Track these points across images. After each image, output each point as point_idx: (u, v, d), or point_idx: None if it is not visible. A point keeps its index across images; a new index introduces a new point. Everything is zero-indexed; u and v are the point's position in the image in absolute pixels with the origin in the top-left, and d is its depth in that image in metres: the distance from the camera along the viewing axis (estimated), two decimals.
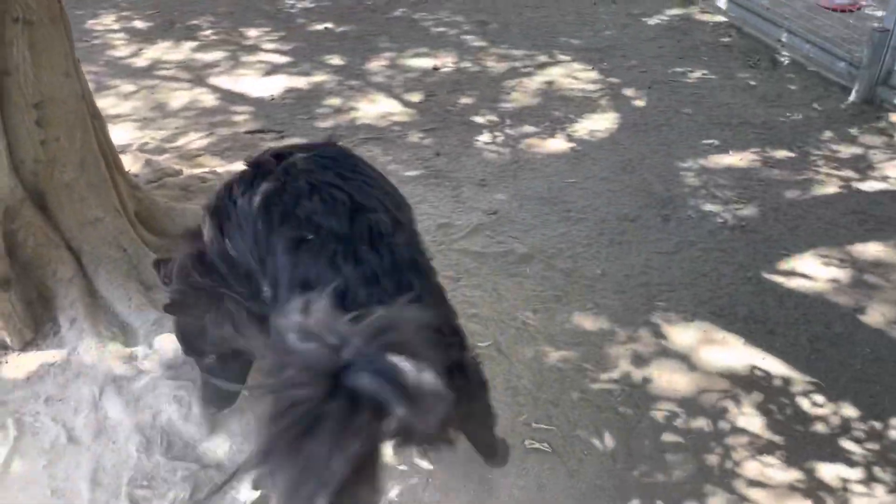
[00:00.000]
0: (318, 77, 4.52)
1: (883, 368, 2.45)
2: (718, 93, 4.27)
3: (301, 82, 4.45)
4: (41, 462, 1.98)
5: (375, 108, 4.10)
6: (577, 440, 2.17)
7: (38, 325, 2.29)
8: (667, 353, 2.50)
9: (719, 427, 2.23)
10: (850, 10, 5.22)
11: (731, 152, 3.69)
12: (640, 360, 2.46)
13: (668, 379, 2.39)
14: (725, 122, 3.97)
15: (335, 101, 4.19)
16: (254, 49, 4.93)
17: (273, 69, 4.64)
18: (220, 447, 2.04)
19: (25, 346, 2.25)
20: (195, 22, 5.40)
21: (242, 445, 2.05)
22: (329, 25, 5.31)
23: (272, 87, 4.38)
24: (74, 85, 2.34)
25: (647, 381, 2.38)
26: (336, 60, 4.74)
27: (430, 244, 2.86)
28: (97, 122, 2.53)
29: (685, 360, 2.47)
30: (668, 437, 2.19)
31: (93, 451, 2.01)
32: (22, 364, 2.22)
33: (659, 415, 2.26)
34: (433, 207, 3.21)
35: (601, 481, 2.05)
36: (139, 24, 5.37)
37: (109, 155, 2.57)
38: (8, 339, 2.23)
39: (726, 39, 5.03)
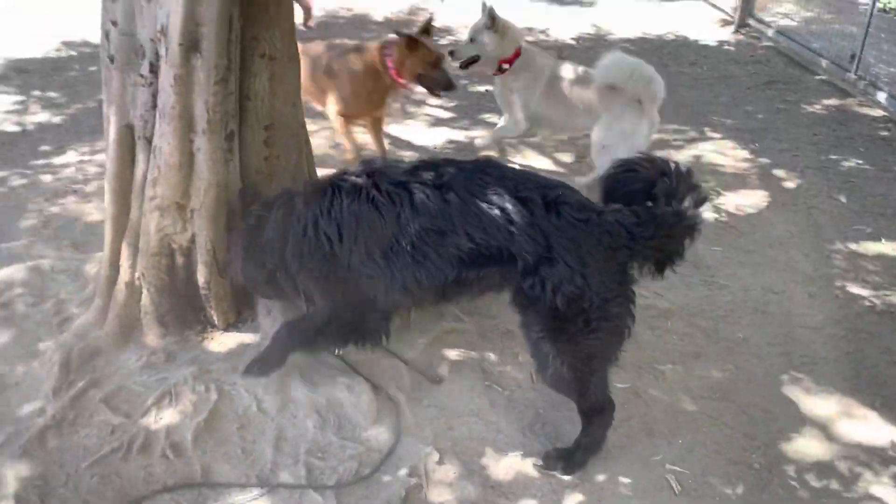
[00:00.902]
0: (476, 132, 4.88)
1: None
2: (874, 183, 4.27)
3: (460, 135, 4.83)
4: (235, 425, 2.31)
5: (528, 162, 4.40)
6: (709, 486, 2.27)
7: (240, 311, 2.67)
8: (804, 420, 2.55)
9: (853, 490, 2.27)
10: None
11: (883, 240, 3.69)
12: (776, 423, 2.53)
13: (805, 443, 2.45)
14: (879, 211, 3.97)
15: (489, 154, 4.52)
16: (420, 103, 5.39)
17: (437, 122, 5.06)
18: (381, 434, 2.31)
19: (228, 327, 2.63)
20: None
21: (400, 437, 2.31)
22: (489, 88, 5.71)
23: (436, 137, 4.79)
24: (298, 113, 2.77)
25: (783, 440, 2.45)
26: (493, 119, 5.10)
27: None
28: (307, 146, 2.95)
29: (823, 428, 2.52)
30: (800, 494, 2.25)
31: (277, 422, 2.32)
32: (224, 341, 2.60)
33: (793, 474, 2.33)
34: None
35: None
36: None
37: (313, 173, 2.99)
38: (215, 318, 2.62)
39: (885, 133, 5.01)
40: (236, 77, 2.47)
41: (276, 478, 2.15)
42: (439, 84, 3.73)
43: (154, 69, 2.41)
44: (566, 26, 7.37)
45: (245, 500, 2.08)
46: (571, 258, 2.02)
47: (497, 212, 2.05)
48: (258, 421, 2.33)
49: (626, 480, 2.27)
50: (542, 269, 2.05)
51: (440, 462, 2.26)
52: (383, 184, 2.17)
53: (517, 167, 2.27)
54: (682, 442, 2.43)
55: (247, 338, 2.62)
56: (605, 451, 2.33)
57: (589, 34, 7.24)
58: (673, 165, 2.15)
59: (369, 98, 3.92)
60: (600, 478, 2.27)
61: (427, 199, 2.10)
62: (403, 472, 2.20)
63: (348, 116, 4.01)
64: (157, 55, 2.38)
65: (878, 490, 2.29)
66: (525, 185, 2.10)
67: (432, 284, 2.18)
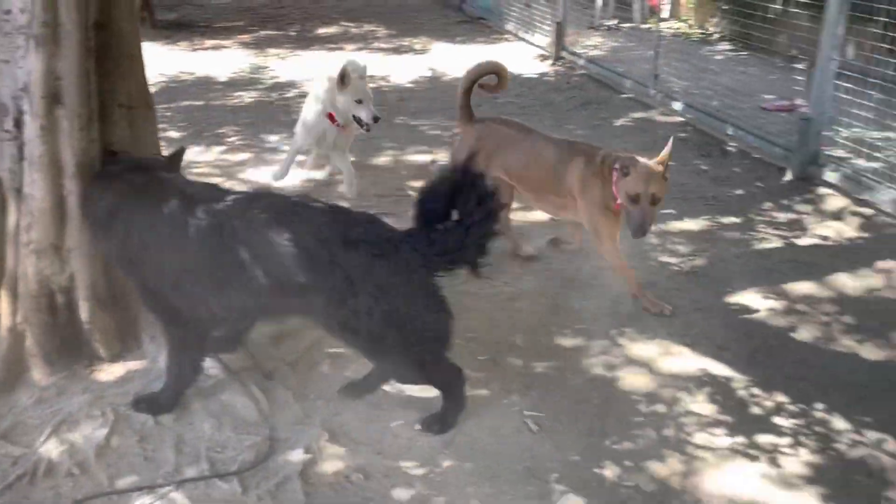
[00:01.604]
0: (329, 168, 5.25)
1: (808, 370, 3.00)
2: (676, 175, 4.95)
3: (319, 174, 5.17)
4: (135, 438, 2.48)
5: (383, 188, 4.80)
6: (560, 422, 2.69)
7: (125, 341, 2.84)
8: (633, 362, 3.05)
9: (675, 410, 2.76)
10: (789, 111, 6.08)
11: (685, 219, 4.37)
12: (610, 367, 3.01)
13: (634, 379, 2.94)
14: (682, 197, 4.68)
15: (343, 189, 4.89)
16: (275, 150, 5.68)
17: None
18: (274, 426, 2.56)
19: (114, 358, 2.79)
20: (221, 131, 6.19)
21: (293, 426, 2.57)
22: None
23: (293, 178, 5.09)
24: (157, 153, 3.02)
25: (616, 380, 2.93)
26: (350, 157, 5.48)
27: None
28: None
29: (648, 366, 3.03)
30: (633, 418, 2.72)
31: (175, 430, 2.52)
32: (113, 371, 2.75)
33: (626, 404, 2.80)
34: None
35: (579, 451, 2.56)
36: (173, 133, 6.15)
37: None
38: (101, 352, 2.77)
39: (683, 135, 5.84)
40: (97, 126, 2.69)
41: (181, 475, 2.35)
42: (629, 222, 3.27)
43: (18, 124, 2.59)
44: (404, 73, 7.93)
45: (154, 498, 2.26)
46: (372, 289, 2.32)
47: (297, 251, 2.32)
48: (157, 432, 2.51)
49: (491, 428, 2.65)
50: (349, 301, 2.34)
51: (330, 440, 2.54)
52: (197, 209, 2.40)
53: (330, 205, 2.57)
54: (534, 394, 2.84)
55: (134, 365, 2.78)
56: (473, 409, 2.69)
57: (425, 77, 7.84)
58: (467, 178, 2.39)
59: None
60: (471, 430, 2.63)
61: (233, 232, 2.36)
62: (299, 451, 2.46)
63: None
64: (20, 111, 2.58)
65: (694, 407, 2.79)
66: (329, 226, 2.37)
67: (238, 310, 2.52)
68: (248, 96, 7.20)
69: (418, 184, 4.80)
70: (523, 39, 9.23)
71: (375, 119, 4.41)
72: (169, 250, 2.43)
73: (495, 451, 2.56)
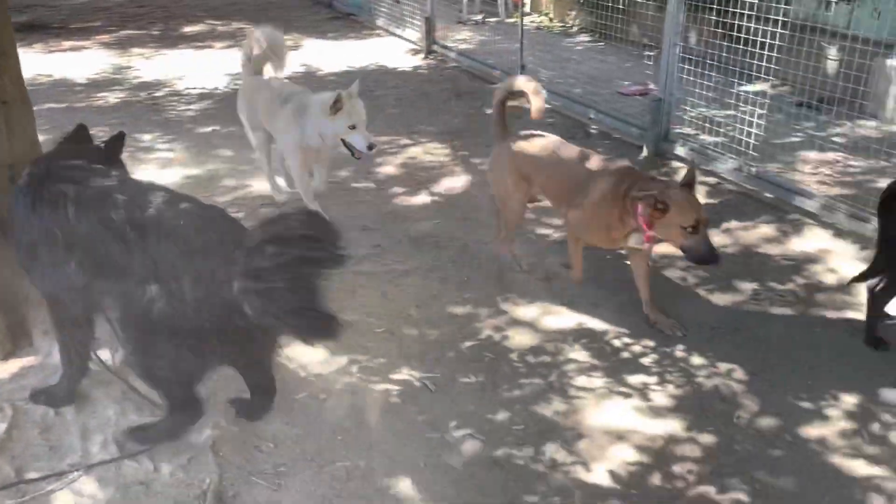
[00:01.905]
0: (213, 165, 5.23)
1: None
2: None
3: (198, 171, 5.14)
4: (37, 430, 2.48)
5: (266, 185, 4.85)
6: (455, 381, 2.91)
7: (16, 339, 2.79)
8: (519, 322, 3.32)
9: (557, 360, 3.05)
10: (643, 94, 6.62)
11: None
12: (498, 329, 3.26)
13: (521, 338, 3.21)
14: None
15: (231, 182, 4.91)
16: (150, 149, 5.58)
17: (169, 163, 5.30)
18: None
19: (7, 357, 2.74)
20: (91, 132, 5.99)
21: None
22: (216, 127, 6.07)
23: (171, 176, 5.03)
24: (38, 151, 2.97)
25: (504, 340, 3.19)
26: (227, 153, 5.48)
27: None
28: None
29: (532, 325, 3.30)
30: (521, 369, 2.98)
31: (78, 420, 2.53)
32: (6, 368, 2.72)
33: (514, 359, 3.06)
34: None
35: (474, 403, 2.79)
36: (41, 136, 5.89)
37: None
38: None
39: (550, 119, 6.23)
40: None
41: (90, 461, 2.37)
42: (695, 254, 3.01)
43: None
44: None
45: (64, 485, 2.28)
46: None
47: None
48: (59, 423, 2.51)
49: (395, 391, 2.83)
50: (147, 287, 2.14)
51: (237, 416, 2.64)
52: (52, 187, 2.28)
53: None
54: (430, 357, 3.05)
55: (28, 361, 2.76)
56: (378, 377, 2.88)
57: (300, 73, 7.87)
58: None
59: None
60: (374, 395, 2.80)
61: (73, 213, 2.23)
62: (206, 428, 2.54)
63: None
64: None
65: (574, 356, 3.09)
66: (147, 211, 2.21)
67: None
68: (113, 97, 6.99)
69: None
70: (394, 34, 9.42)
71: (370, 147, 3.90)
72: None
73: (398, 411, 2.74)
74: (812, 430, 2.65)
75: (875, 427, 2.66)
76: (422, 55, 8.43)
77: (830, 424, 2.68)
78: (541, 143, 3.67)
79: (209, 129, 6.04)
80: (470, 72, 7.68)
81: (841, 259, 3.80)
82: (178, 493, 2.30)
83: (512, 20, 9.50)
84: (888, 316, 3.23)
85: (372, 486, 2.41)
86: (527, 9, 9.87)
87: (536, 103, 3.74)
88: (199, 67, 8.05)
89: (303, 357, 3.00)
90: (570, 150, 3.54)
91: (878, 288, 3.11)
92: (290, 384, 2.85)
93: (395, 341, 3.16)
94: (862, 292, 3.24)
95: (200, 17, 10.89)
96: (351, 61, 8.22)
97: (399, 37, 9.28)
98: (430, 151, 5.54)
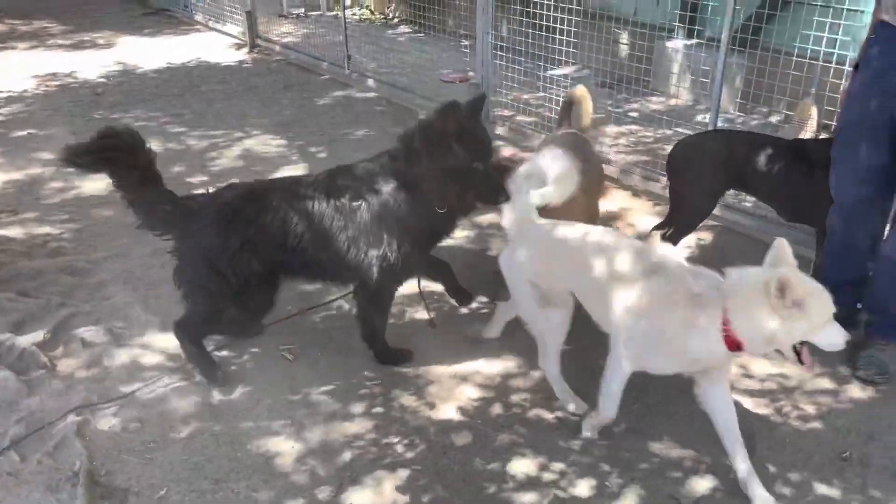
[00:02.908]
0: (34, 170, 5.01)
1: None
2: (378, 142, 5.62)
3: (18, 175, 4.91)
4: None
5: (97, 185, 4.73)
6: (310, 350, 3.12)
7: None
8: None
9: (401, 322, 3.34)
10: (463, 81, 7.06)
11: None
12: (348, 301, 3.50)
13: None
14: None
15: (59, 185, 4.75)
16: None
17: None
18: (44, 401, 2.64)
19: None
20: None
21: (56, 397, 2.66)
22: (33, 131, 5.77)
23: None
24: None
25: (352, 311, 3.42)
26: (47, 155, 5.25)
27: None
28: None
29: None
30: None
31: None
32: None
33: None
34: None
35: (328, 369, 3.02)
36: None
37: None
38: None
39: (380, 107, 6.52)
40: None
41: None
42: None
43: None
44: (92, 68, 7.59)
45: None
46: None
47: None
48: None
49: (254, 363, 2.99)
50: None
51: (99, 402, 2.70)
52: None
53: None
54: (286, 331, 3.23)
55: None
56: (237, 351, 3.02)
57: (117, 71, 7.59)
58: None
59: None
60: (239, 368, 2.95)
61: None
62: (70, 415, 2.58)
63: None
64: None
65: (417, 316, 3.39)
66: None
67: None
68: None
69: None
70: (215, 29, 9.29)
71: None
72: None
73: (261, 380, 2.91)
74: None
75: None
76: (246, 49, 8.41)
77: None
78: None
79: (25, 132, 5.73)
80: (297, 64, 7.79)
81: (638, 215, 4.40)
82: (49, 479, 2.34)
83: (333, 13, 9.68)
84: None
85: (241, 449, 2.57)
86: (348, 2, 10.08)
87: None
88: (2, 70, 7.52)
89: (169, 342, 3.09)
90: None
91: (667, 234, 3.68)
92: (148, 370, 2.92)
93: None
94: (655, 241, 3.80)
95: None
96: (171, 58, 8.04)
97: (220, 31, 9.16)
98: (265, 143, 5.63)
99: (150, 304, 3.41)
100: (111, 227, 4.15)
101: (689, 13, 5.71)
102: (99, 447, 2.50)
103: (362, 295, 2.95)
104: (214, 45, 8.61)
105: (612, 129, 5.65)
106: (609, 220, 4.35)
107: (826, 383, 2.93)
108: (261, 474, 2.47)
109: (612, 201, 4.59)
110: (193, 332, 2.85)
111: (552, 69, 5.53)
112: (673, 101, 6.27)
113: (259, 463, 2.52)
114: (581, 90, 3.78)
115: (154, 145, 5.36)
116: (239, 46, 8.54)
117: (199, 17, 9.71)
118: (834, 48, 3.90)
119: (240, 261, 2.65)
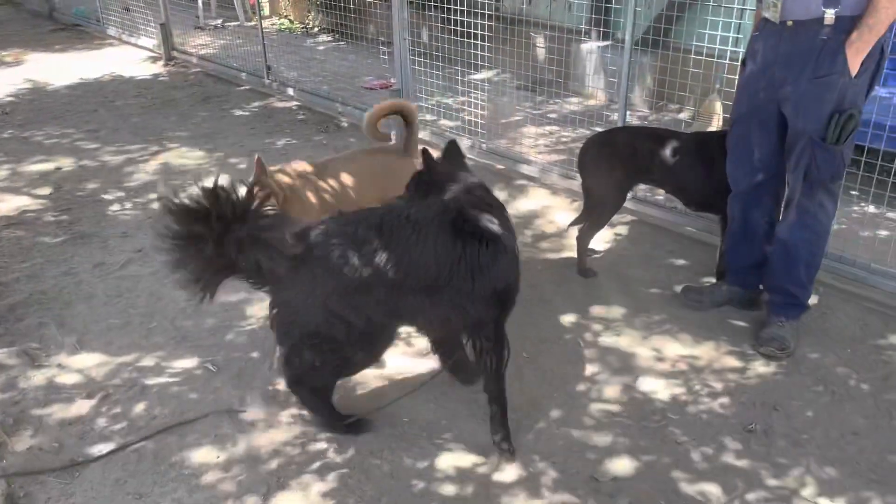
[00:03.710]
0: None
1: None
2: (301, 151, 5.62)
3: None
4: None
5: (7, 204, 4.58)
6: (231, 361, 3.10)
7: None
8: None
9: None
10: (385, 87, 7.12)
11: None
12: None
13: None
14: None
15: None
16: None
17: None
18: None
19: None
20: None
21: None
22: None
23: None
24: None
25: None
26: None
27: (90, 279, 3.61)
28: None
29: None
30: None
31: None
32: None
33: None
34: (84, 257, 3.91)
35: (249, 376, 3.01)
36: None
37: None
38: None
39: (301, 116, 6.50)
40: None
41: None
42: None
43: None
44: None
45: None
46: None
47: None
48: None
49: (182, 376, 2.96)
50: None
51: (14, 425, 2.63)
52: None
53: None
54: (209, 344, 3.21)
55: None
56: (158, 369, 2.98)
57: (26, 89, 7.34)
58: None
59: None
60: (163, 382, 2.91)
61: None
62: None
63: None
64: None
65: None
66: None
67: None
68: None
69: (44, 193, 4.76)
70: (128, 43, 9.09)
71: None
72: None
73: (185, 392, 2.88)
74: (543, 346, 3.22)
75: (587, 335, 3.30)
76: (161, 62, 8.26)
77: (558, 341, 3.27)
78: None
79: None
80: (215, 76, 7.70)
81: (557, 211, 4.54)
82: None
83: (251, 23, 9.58)
84: (593, 251, 3.96)
85: (165, 464, 2.54)
86: (265, 11, 10.00)
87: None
88: None
89: (86, 361, 3.02)
90: None
91: (583, 228, 3.81)
92: (70, 389, 2.86)
93: (177, 332, 3.27)
94: (574, 235, 3.93)
95: None
96: (84, 73, 7.82)
97: (134, 45, 8.97)
98: (183, 156, 5.55)
99: (66, 324, 3.33)
100: (21, 249, 4.03)
101: (602, 16, 5.91)
102: (16, 468, 2.43)
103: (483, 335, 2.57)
104: (129, 60, 8.43)
105: (532, 131, 5.80)
106: (530, 218, 4.47)
107: (733, 361, 3.09)
108: (185, 486, 2.45)
109: (532, 200, 4.71)
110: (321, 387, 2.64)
111: (473, 73, 5.64)
112: (590, 102, 6.47)
113: (184, 475, 2.49)
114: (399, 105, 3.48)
115: (66, 163, 5.33)
116: (154, 60, 8.38)
117: (112, 32, 9.47)
118: (731, 46, 4.12)
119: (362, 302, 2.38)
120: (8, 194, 4.76)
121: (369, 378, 2.98)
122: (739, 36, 4.17)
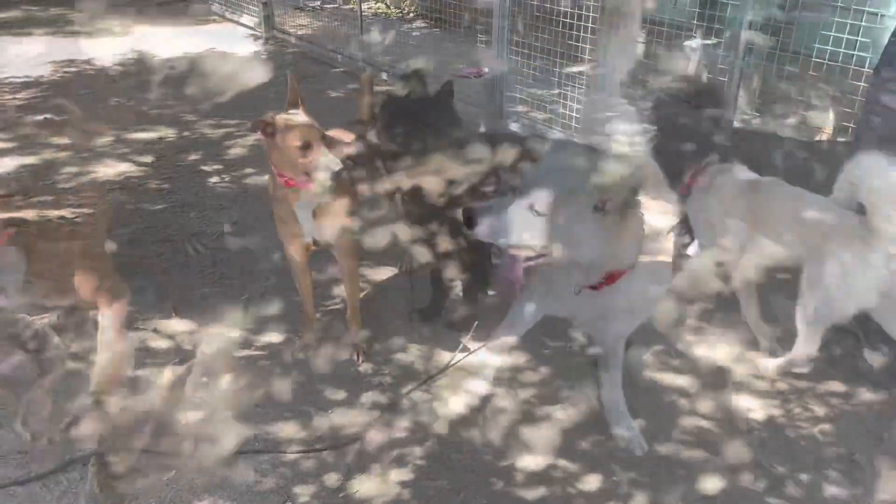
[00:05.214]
0: (49, 154, 5.03)
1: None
2: None
3: (32, 159, 4.93)
4: None
5: (112, 170, 4.76)
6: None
7: None
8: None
9: None
10: (478, 76, 7.06)
11: None
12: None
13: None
14: None
15: (73, 169, 4.77)
16: None
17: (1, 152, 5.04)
18: None
19: None
20: None
21: None
22: (48, 116, 5.81)
23: (4, 166, 4.80)
24: None
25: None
26: (62, 140, 5.28)
27: (187, 248, 3.70)
28: None
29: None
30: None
31: None
32: None
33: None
34: (183, 226, 4.02)
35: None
36: None
37: None
38: None
39: None
40: None
41: None
42: None
43: None
44: (106, 56, 7.63)
45: None
46: None
47: None
48: None
49: (267, 357, 3.00)
50: None
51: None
52: None
53: None
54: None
55: None
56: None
57: (133, 59, 7.63)
58: None
59: None
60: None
61: None
62: None
63: None
64: None
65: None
66: None
67: None
68: None
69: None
70: (231, 20, 9.31)
71: None
72: None
73: (271, 366, 2.92)
74: (630, 352, 3.11)
75: (681, 345, 3.17)
76: (262, 41, 8.42)
77: (649, 348, 3.16)
78: None
79: (41, 117, 5.76)
80: (312, 57, 7.80)
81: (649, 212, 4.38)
82: None
83: (349, 6, 9.67)
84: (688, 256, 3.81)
85: (248, 434, 2.58)
86: None
87: None
88: (19, 55, 7.57)
89: (179, 327, 3.10)
90: None
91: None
92: (163, 354, 2.94)
93: (262, 307, 3.33)
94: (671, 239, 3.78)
95: (14, 2, 10.13)
96: (187, 48, 8.04)
97: (237, 23, 9.17)
98: None
99: (162, 289, 3.43)
100: (124, 213, 4.17)
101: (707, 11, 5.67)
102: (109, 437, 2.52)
103: None
104: (231, 37, 8.63)
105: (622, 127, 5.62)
106: None
107: (837, 385, 2.91)
108: (270, 459, 2.48)
109: None
110: None
111: (569, 66, 5.52)
112: None
113: (267, 447, 2.53)
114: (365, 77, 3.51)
115: (168, 134, 5.50)
116: (255, 38, 8.55)
117: (215, 8, 9.72)
118: (857, 50, 3.87)
119: None
120: (113, 160, 4.94)
121: (452, 370, 2.95)
122: (866, 40, 3.91)
